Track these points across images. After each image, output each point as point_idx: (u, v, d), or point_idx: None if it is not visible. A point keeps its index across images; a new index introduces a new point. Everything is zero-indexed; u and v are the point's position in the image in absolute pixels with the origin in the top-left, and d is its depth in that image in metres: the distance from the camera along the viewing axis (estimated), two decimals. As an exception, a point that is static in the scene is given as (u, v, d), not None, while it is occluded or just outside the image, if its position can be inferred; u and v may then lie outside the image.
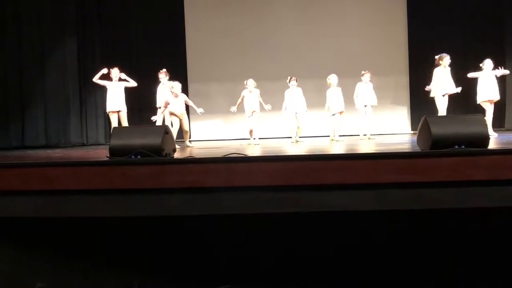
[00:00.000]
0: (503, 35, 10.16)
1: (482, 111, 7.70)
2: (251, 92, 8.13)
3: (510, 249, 4.38)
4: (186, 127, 7.78)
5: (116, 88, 7.68)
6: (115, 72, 7.69)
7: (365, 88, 8.38)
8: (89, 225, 4.39)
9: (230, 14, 10.88)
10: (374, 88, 8.52)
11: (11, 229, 4.35)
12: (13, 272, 4.42)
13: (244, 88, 8.24)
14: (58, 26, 9.59)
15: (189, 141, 8.10)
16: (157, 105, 7.99)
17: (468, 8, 10.39)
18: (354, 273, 4.53)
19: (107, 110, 7.71)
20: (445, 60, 7.58)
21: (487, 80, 7.63)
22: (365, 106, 8.36)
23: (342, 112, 8.28)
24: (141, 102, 9.99)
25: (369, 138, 8.24)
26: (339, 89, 8.35)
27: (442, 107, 7.64)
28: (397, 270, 4.49)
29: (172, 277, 4.66)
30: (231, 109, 8.28)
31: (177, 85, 7.66)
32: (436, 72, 7.68)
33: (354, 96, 8.44)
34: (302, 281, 4.54)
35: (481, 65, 7.82)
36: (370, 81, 8.40)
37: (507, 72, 7.87)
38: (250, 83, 8.13)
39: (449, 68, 7.66)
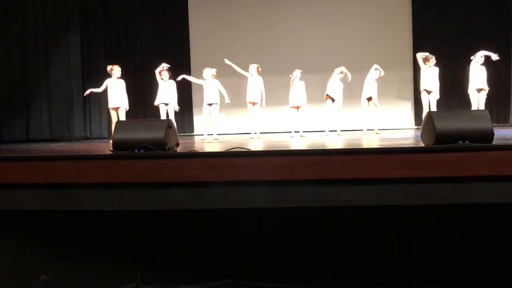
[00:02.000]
0: (509, 31, 10.08)
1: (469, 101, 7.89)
2: (252, 75, 8.22)
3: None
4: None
5: (115, 85, 7.81)
6: (116, 69, 7.84)
7: (371, 83, 8.44)
8: (93, 219, 4.40)
9: (234, 9, 10.84)
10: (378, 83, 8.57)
11: (15, 222, 4.37)
12: (17, 265, 4.45)
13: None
14: (62, 21, 9.61)
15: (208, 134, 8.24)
16: (159, 102, 8.08)
17: (473, 2, 10.31)
18: (358, 267, 4.54)
19: (108, 106, 7.92)
20: (431, 60, 7.97)
21: (476, 70, 7.83)
22: (369, 101, 8.41)
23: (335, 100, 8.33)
24: (145, 98, 10.00)
25: (376, 133, 8.28)
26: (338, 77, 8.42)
27: (425, 104, 7.99)
28: (400, 266, 4.49)
29: (174, 270, 4.68)
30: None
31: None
32: (422, 71, 8.08)
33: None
34: (304, 276, 4.55)
35: (472, 57, 7.94)
36: (376, 79, 8.46)
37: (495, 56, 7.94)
38: (252, 68, 8.27)
39: (434, 68, 7.95)
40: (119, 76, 7.87)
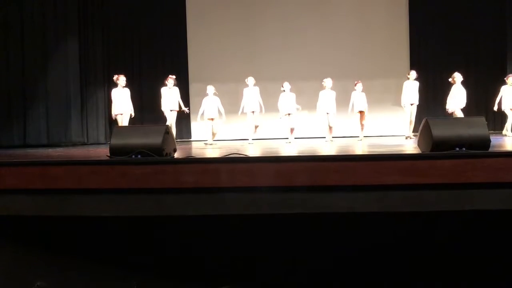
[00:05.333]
0: (506, 39, 10.15)
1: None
2: (249, 89, 8.60)
3: (510, 251, 4.38)
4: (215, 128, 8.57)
5: (121, 94, 8.26)
6: (121, 79, 8.24)
7: (358, 96, 8.81)
8: (89, 224, 4.38)
9: (231, 14, 10.88)
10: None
11: (11, 228, 4.35)
12: (13, 271, 4.43)
13: (245, 86, 8.66)
14: (60, 26, 9.61)
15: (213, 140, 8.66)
16: (162, 108, 8.53)
17: (470, 11, 10.39)
18: (355, 273, 4.53)
19: (115, 113, 8.28)
20: (412, 74, 8.82)
21: (458, 91, 8.45)
22: (360, 111, 8.78)
23: (329, 113, 8.64)
24: (143, 102, 10.02)
25: (360, 140, 8.65)
26: (333, 92, 8.72)
27: (407, 116, 8.80)
28: (398, 271, 4.49)
29: (171, 278, 4.66)
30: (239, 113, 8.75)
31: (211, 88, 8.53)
32: (404, 85, 8.82)
33: (350, 104, 8.87)
34: (302, 281, 4.54)
35: (450, 79, 8.51)
36: (362, 90, 8.81)
37: None
38: (250, 80, 8.62)
39: (416, 82, 8.74)
40: (124, 85, 8.27)
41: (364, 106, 8.76)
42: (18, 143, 9.21)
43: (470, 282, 4.38)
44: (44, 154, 6.79)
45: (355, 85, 8.83)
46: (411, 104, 8.79)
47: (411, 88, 8.78)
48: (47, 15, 9.52)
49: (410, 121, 8.82)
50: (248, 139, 8.66)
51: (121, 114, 8.22)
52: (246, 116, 8.69)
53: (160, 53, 10.76)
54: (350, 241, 4.50)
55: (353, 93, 8.83)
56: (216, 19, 10.89)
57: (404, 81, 8.88)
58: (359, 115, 8.78)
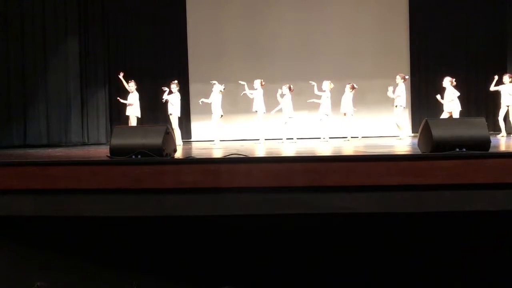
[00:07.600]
0: (506, 39, 10.16)
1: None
2: (257, 89, 8.86)
3: (510, 252, 4.37)
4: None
5: (132, 97, 9.04)
6: (131, 85, 9.01)
7: (343, 97, 9.07)
8: (89, 225, 4.39)
9: (231, 15, 10.88)
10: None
11: (11, 228, 4.35)
12: (12, 271, 4.43)
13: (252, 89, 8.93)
14: (60, 26, 9.62)
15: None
16: (169, 112, 8.92)
17: (471, 11, 10.39)
18: (353, 274, 4.53)
19: (126, 114, 9.12)
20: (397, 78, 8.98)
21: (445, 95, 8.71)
22: (345, 113, 9.06)
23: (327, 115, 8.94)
24: (142, 102, 10.00)
25: (348, 140, 8.81)
26: (328, 93, 8.91)
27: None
28: (396, 273, 4.48)
29: (171, 278, 4.66)
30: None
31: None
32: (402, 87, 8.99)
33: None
34: (301, 281, 4.54)
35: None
36: (351, 91, 9.02)
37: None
38: (257, 83, 8.85)
39: (403, 84, 8.93)
40: (133, 90, 8.98)
41: (344, 109, 8.96)
42: (18, 143, 9.21)
43: (468, 283, 4.37)
44: (44, 154, 6.80)
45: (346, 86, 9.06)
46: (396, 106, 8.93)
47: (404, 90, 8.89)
48: (48, 14, 9.52)
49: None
50: (258, 139, 8.79)
51: (128, 116, 9.01)
52: (258, 116, 8.79)
53: (160, 53, 10.75)
54: (348, 242, 4.50)
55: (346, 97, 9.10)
56: (216, 19, 10.88)
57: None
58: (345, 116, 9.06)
